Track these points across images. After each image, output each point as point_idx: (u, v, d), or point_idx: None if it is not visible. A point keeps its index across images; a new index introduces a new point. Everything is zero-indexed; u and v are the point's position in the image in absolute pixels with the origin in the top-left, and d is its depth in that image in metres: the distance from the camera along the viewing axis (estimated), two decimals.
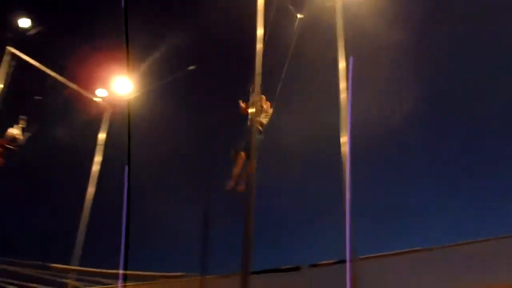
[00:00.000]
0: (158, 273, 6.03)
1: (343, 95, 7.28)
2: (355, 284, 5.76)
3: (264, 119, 7.84)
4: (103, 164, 10.55)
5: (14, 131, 10.05)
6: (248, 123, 8.07)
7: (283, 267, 5.34)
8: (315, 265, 5.32)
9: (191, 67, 9.17)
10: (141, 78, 10.46)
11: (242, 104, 7.17)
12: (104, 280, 6.43)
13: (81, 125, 10.89)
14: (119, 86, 10.68)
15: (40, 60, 10.46)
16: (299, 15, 7.79)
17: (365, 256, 5.55)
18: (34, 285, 7.38)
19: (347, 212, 6.63)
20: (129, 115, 10.63)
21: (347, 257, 5.89)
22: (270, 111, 8.62)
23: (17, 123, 10.18)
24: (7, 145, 9.89)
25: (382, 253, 5.50)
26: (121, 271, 6.57)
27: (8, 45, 9.87)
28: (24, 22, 10.18)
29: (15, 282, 7.56)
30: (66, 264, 8.56)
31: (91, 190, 10.34)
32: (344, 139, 7.11)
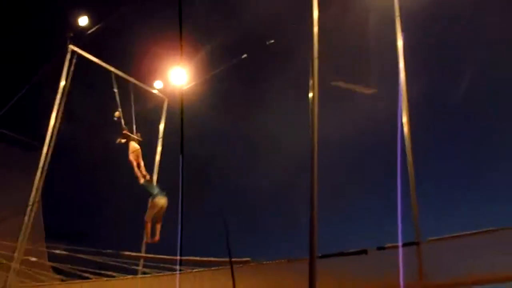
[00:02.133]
0: (225, 259, 6.12)
1: (402, 75, 7.13)
2: (422, 266, 5.67)
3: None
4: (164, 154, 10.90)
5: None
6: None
7: (350, 251, 5.31)
8: (382, 248, 5.24)
9: (244, 56, 9.20)
10: (197, 68, 10.58)
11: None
12: (174, 266, 6.63)
13: (142, 118, 11.15)
14: (175, 77, 10.88)
15: (99, 56, 10.88)
16: None
17: (433, 238, 5.41)
18: (108, 272, 7.78)
19: (413, 194, 6.53)
20: (182, 105, 10.83)
21: (415, 240, 5.81)
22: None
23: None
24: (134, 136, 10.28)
25: (450, 235, 5.32)
26: (178, 257, 6.77)
27: (69, 43, 10.28)
28: (83, 20, 10.45)
29: (90, 269, 7.99)
30: (135, 252, 8.98)
31: (154, 178, 10.80)
32: (404, 119, 6.99)
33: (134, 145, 10.06)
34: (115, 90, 10.54)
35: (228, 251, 5.60)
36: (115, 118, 10.37)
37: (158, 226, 8.96)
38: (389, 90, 7.09)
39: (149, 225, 8.94)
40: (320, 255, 5.14)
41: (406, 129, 6.88)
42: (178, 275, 6.58)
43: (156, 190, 9.13)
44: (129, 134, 10.20)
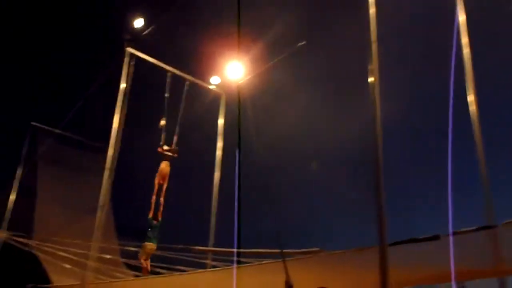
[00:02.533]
0: (294, 250, 6.14)
1: (467, 50, 6.86)
2: (498, 251, 5.45)
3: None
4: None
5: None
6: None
7: (422, 237, 5.15)
8: (455, 233, 5.06)
9: (301, 43, 9.05)
10: (252, 60, 10.58)
11: None
12: (242, 259, 6.71)
13: (201, 115, 11.31)
14: (231, 71, 10.94)
15: (156, 56, 11.12)
16: None
17: (509, 220, 5.15)
18: (179, 266, 8.00)
19: (484, 177, 6.28)
20: (239, 99, 10.89)
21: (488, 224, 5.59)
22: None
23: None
24: (167, 153, 10.47)
25: None
26: (235, 250, 6.85)
27: (126, 46, 10.57)
28: (138, 22, 10.68)
29: (162, 265, 8.25)
30: (204, 246, 9.19)
31: (217, 174, 10.99)
32: (471, 97, 6.74)
33: (163, 165, 10.23)
34: (166, 95, 10.71)
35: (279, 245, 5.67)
36: (160, 127, 10.55)
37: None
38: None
39: (143, 262, 9.42)
40: (390, 242, 5.04)
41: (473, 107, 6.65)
42: (245, 267, 6.66)
43: (152, 234, 9.48)
44: (163, 152, 10.33)
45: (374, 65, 5.81)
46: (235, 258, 7.17)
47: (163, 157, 10.31)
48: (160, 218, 9.78)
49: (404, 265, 5.90)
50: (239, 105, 9.76)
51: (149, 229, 9.50)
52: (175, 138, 10.56)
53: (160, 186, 9.98)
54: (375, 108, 5.56)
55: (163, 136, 10.46)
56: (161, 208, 9.77)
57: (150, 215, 9.64)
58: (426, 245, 5.14)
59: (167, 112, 10.66)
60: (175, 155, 10.43)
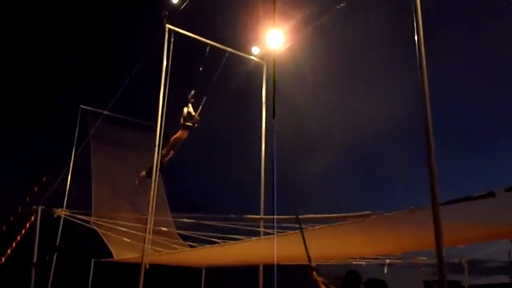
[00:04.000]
0: (347, 214, 6.18)
1: None
2: None
3: None
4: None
5: (186, 109, 10.70)
6: None
7: (476, 195, 5.07)
8: (510, 189, 4.93)
9: (341, 5, 8.81)
10: (293, 28, 10.45)
11: None
12: (295, 225, 6.80)
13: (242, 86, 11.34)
14: (271, 40, 10.85)
15: (195, 30, 11.16)
16: None
17: None
18: (232, 235, 8.23)
19: None
20: (274, 69, 10.87)
21: None
22: None
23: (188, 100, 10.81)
24: (187, 124, 10.72)
25: None
26: (275, 217, 6.95)
27: (165, 22, 10.64)
28: None
29: (217, 234, 8.50)
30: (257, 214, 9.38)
31: (263, 145, 11.09)
32: None
33: (182, 132, 10.41)
34: (201, 69, 10.79)
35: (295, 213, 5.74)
36: (191, 99, 10.67)
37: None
38: None
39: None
40: (443, 202, 4.99)
41: None
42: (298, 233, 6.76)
43: None
44: (185, 121, 10.48)
45: (420, 34, 5.62)
46: (274, 225, 7.32)
47: (183, 127, 10.53)
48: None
49: (459, 224, 5.87)
50: (274, 77, 9.76)
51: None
52: (200, 108, 10.72)
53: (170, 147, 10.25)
54: (422, 70, 5.43)
55: (188, 108, 10.67)
56: (168, 158, 10.10)
57: (142, 174, 10.05)
58: (481, 202, 5.05)
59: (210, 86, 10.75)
60: (196, 125, 10.61)
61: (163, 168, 10.00)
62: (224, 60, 11.19)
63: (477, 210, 5.45)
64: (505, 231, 6.63)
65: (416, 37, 5.51)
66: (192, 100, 10.76)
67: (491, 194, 4.98)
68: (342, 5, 8.76)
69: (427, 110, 5.25)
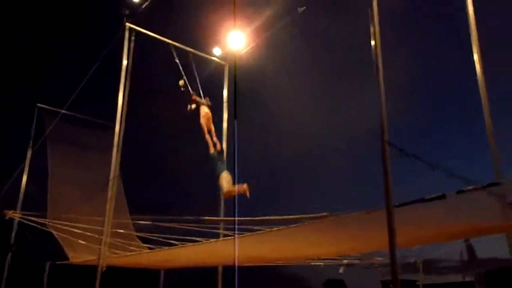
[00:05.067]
0: (304, 216, 6.24)
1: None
2: (504, 207, 5.51)
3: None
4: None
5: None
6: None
7: (428, 197, 5.20)
8: (462, 191, 5.09)
9: (301, 9, 8.88)
10: (252, 30, 10.48)
11: None
12: (255, 227, 6.83)
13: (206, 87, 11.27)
14: (233, 41, 10.86)
15: (156, 30, 11.04)
16: None
17: None
18: (191, 237, 8.17)
19: (490, 134, 6.33)
20: (235, 70, 10.90)
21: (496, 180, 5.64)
22: None
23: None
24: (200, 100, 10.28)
25: None
26: (236, 219, 6.96)
27: (126, 21, 10.48)
28: None
29: (177, 237, 8.42)
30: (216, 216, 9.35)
31: (223, 145, 11.02)
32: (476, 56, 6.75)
33: (204, 109, 10.02)
34: (177, 60, 10.62)
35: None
36: (181, 88, 10.47)
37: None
38: None
39: (234, 190, 8.84)
40: (397, 204, 5.11)
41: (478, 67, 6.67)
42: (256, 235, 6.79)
43: (221, 168, 9.14)
44: (198, 99, 10.25)
45: (376, 28, 5.75)
46: (235, 227, 7.29)
47: (197, 107, 10.23)
48: (220, 148, 9.61)
49: (412, 225, 6.01)
50: (235, 78, 9.73)
51: (218, 162, 9.23)
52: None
53: (208, 129, 9.91)
54: (378, 70, 5.54)
55: (190, 89, 10.39)
56: (218, 144, 9.56)
57: (211, 151, 9.44)
58: (433, 204, 5.18)
59: (172, 80, 10.60)
60: (210, 104, 10.36)
61: (220, 153, 9.55)
62: (191, 61, 11.09)
63: (430, 212, 5.59)
64: (456, 232, 6.83)
65: (373, 42, 5.63)
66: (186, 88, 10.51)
67: (442, 197, 5.12)
68: (302, 9, 8.84)
69: (383, 113, 5.37)
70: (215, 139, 9.63)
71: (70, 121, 13.79)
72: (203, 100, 10.22)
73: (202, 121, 9.80)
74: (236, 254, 7.08)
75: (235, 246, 7.24)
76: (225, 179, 8.89)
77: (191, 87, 10.42)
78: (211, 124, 9.90)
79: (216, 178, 9.02)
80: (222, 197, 9.58)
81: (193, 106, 10.10)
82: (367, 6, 5.75)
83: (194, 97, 10.17)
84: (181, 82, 10.41)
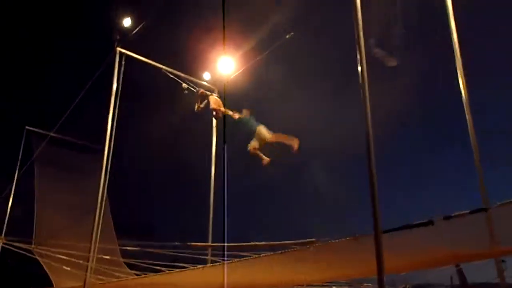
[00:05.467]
0: (290, 241, 6.19)
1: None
2: (493, 233, 5.50)
3: None
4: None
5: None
6: None
7: (415, 223, 5.19)
8: (449, 217, 5.09)
9: (289, 35, 9.01)
10: (243, 55, 10.58)
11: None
12: (242, 253, 6.76)
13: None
14: (221, 66, 10.95)
15: (147, 55, 11.11)
16: None
17: (503, 202, 5.16)
18: (179, 264, 8.05)
19: (477, 159, 6.37)
20: (224, 94, 10.95)
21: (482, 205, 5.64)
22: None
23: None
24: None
25: None
26: (225, 244, 6.89)
27: (116, 46, 10.54)
28: (127, 21, 10.63)
29: (162, 263, 8.29)
30: (203, 242, 9.25)
31: (213, 170, 11.05)
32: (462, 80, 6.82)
33: (213, 98, 10.07)
34: (186, 91, 10.65)
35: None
36: (185, 91, 10.50)
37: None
38: None
39: (255, 151, 9.05)
40: (384, 230, 5.08)
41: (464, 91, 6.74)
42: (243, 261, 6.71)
43: (254, 123, 9.04)
44: (206, 92, 10.24)
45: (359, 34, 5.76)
46: (225, 253, 7.22)
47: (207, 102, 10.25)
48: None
49: (400, 251, 5.97)
50: (224, 103, 9.78)
51: (249, 119, 9.17)
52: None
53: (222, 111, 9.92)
54: (364, 85, 5.54)
55: (195, 89, 10.54)
56: (236, 113, 9.43)
57: (236, 116, 9.28)
58: (421, 230, 5.16)
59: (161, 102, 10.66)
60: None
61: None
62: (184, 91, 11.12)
63: (418, 237, 5.56)
64: (445, 258, 6.79)
65: (359, 68, 5.67)
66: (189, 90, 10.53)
67: (430, 223, 5.11)
68: (290, 34, 8.95)
69: (370, 135, 5.37)
70: (231, 112, 9.50)
71: (59, 144, 13.72)
72: (210, 93, 10.25)
73: (214, 106, 9.85)
74: (226, 281, 7.01)
75: (224, 272, 7.16)
76: (264, 129, 8.90)
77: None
78: (222, 107, 9.92)
79: (253, 134, 8.99)
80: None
81: (201, 105, 10.13)
82: (352, 29, 5.81)
83: (202, 91, 10.24)
84: (184, 85, 10.51)
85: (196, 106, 10.18)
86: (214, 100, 9.94)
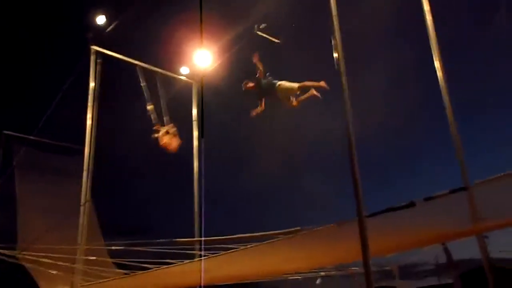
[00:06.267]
0: (275, 232, 6.22)
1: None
2: (474, 210, 5.59)
3: None
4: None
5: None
6: None
7: (398, 205, 5.24)
8: (430, 198, 5.15)
9: (262, 25, 9.00)
10: (221, 49, 10.52)
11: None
12: (228, 246, 6.77)
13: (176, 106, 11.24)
14: (199, 60, 10.87)
15: (123, 52, 10.97)
16: None
17: (481, 180, 5.23)
18: (164, 260, 8.02)
19: (457, 140, 6.44)
20: (202, 88, 10.91)
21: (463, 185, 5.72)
22: None
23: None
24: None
25: (501, 174, 5.00)
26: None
27: (91, 44, 10.40)
28: (101, 19, 10.49)
29: (150, 260, 8.26)
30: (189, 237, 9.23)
31: (195, 164, 11.03)
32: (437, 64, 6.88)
33: (165, 138, 10.11)
34: (142, 84, 10.59)
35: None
36: (149, 113, 10.44)
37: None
38: None
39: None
40: (368, 214, 5.14)
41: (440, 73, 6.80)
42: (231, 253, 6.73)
43: (273, 81, 8.80)
44: (160, 128, 10.21)
45: (337, 39, 5.82)
46: (202, 247, 7.26)
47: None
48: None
49: (384, 234, 6.03)
50: (201, 96, 9.76)
51: (267, 79, 8.94)
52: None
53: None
54: (343, 84, 5.60)
55: (153, 118, 10.43)
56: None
57: (260, 75, 9.03)
58: (403, 212, 5.22)
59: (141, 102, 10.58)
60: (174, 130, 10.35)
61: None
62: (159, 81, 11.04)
63: (401, 220, 5.62)
64: (429, 238, 6.89)
65: (335, 54, 5.70)
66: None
67: (412, 204, 5.17)
68: (262, 25, 8.95)
69: (349, 122, 5.42)
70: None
71: (39, 147, 13.53)
72: (165, 128, 10.19)
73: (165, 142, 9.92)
74: (203, 275, 7.05)
75: (202, 267, 7.19)
76: (286, 82, 8.72)
77: (157, 112, 10.43)
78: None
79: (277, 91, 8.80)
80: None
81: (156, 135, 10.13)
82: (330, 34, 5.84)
83: (157, 126, 10.20)
84: (150, 107, 10.42)
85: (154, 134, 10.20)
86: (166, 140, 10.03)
